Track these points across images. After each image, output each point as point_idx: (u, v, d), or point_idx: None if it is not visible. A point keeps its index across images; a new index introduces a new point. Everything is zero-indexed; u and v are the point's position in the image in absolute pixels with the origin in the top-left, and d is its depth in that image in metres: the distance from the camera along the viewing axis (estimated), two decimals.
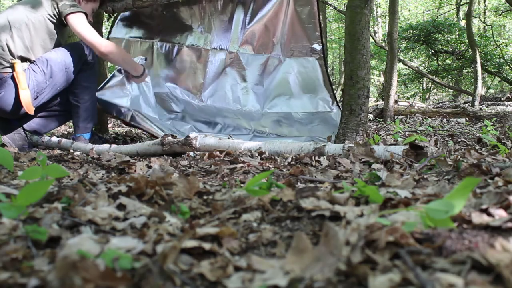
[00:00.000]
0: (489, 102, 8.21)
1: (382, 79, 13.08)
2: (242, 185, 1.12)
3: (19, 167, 1.38)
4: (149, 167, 1.60)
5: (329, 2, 9.76)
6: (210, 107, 3.34)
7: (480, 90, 7.06)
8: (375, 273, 0.49)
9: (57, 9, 2.34)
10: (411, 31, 9.95)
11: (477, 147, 2.34)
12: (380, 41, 12.24)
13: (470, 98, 7.88)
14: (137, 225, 0.72)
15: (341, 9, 10.22)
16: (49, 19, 2.35)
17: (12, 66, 2.26)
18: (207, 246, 0.60)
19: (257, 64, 3.04)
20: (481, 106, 6.74)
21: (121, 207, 0.82)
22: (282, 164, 1.63)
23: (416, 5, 17.90)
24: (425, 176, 1.19)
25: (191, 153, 2.07)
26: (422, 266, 0.51)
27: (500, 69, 9.43)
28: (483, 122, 4.53)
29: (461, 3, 12.42)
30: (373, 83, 13.85)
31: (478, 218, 0.64)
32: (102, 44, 2.42)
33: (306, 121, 2.99)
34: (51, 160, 1.70)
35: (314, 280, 0.49)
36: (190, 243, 0.60)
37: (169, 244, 0.55)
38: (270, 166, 1.59)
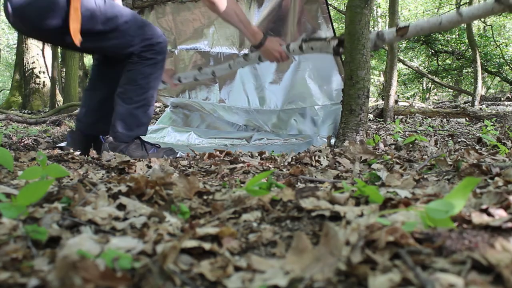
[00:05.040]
0: (489, 102, 8.22)
1: (382, 79, 13.09)
2: (242, 185, 1.12)
3: (19, 167, 1.37)
4: (149, 167, 1.60)
5: (329, 2, 9.76)
6: (231, 108, 3.39)
7: (480, 90, 7.06)
8: (375, 273, 0.49)
9: None
10: None
11: (477, 147, 2.33)
12: None
13: (470, 98, 7.89)
14: (137, 225, 0.72)
15: (341, 9, 10.23)
16: None
17: None
18: (207, 246, 0.60)
19: (270, 63, 3.06)
20: (481, 106, 6.74)
21: (121, 207, 0.82)
22: (282, 164, 1.63)
23: (416, 5, 17.91)
24: (425, 176, 1.19)
25: (191, 153, 2.07)
26: (422, 266, 0.51)
27: (500, 69, 9.44)
28: (483, 122, 4.53)
29: (461, 3, 12.42)
30: (373, 83, 13.86)
31: (478, 218, 0.64)
32: None
33: (321, 118, 3.00)
34: (51, 160, 1.70)
35: (314, 280, 0.49)
36: (190, 243, 0.60)
37: (169, 244, 0.55)
38: (270, 166, 1.59)
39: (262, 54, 2.25)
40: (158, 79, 2.14)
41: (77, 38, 1.85)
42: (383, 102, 5.31)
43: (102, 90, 2.22)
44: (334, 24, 2.72)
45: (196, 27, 3.25)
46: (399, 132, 3.35)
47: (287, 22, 2.85)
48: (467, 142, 2.78)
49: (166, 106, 4.21)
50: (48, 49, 9.30)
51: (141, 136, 2.15)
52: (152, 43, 2.08)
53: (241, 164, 1.58)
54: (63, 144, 2.47)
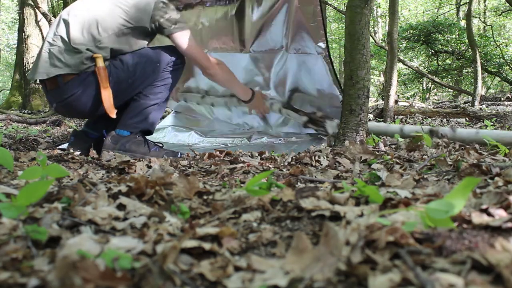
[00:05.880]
0: (489, 102, 8.21)
1: (382, 79, 13.09)
2: (242, 185, 1.12)
3: (19, 167, 1.38)
4: (149, 167, 1.60)
5: (329, 2, 9.76)
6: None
7: (480, 90, 7.06)
8: (375, 273, 0.49)
9: (157, 23, 2.10)
10: (411, 31, 9.96)
11: (477, 147, 2.33)
12: (380, 41, 12.25)
13: (470, 98, 7.89)
14: (137, 225, 0.72)
15: (341, 9, 10.23)
16: (145, 33, 2.13)
17: (94, 61, 2.01)
18: (207, 246, 0.60)
19: (266, 63, 3.06)
20: (481, 106, 6.74)
21: (121, 207, 0.82)
22: (282, 164, 1.63)
23: (416, 5, 17.91)
24: (425, 176, 1.19)
25: (191, 153, 2.07)
26: (422, 266, 0.51)
27: (500, 69, 9.44)
28: (483, 122, 4.53)
29: (461, 3, 12.43)
30: (373, 83, 13.87)
31: (478, 218, 0.64)
32: (211, 65, 2.26)
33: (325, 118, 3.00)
34: (51, 160, 1.70)
35: (314, 280, 0.49)
36: (190, 243, 0.60)
37: (169, 244, 0.55)
38: (270, 166, 1.59)
39: (249, 107, 2.66)
40: (174, 84, 2.29)
41: (112, 113, 2.06)
42: (383, 102, 5.31)
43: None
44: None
45: (196, 28, 3.26)
46: None
47: (284, 22, 2.86)
48: None
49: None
50: None
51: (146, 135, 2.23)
52: (172, 60, 2.22)
53: (241, 164, 1.58)
54: (64, 146, 2.48)
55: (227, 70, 2.40)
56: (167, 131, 3.48)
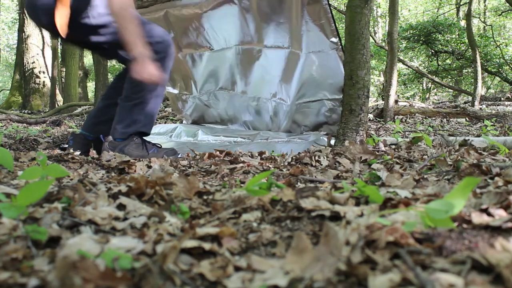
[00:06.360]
0: (489, 102, 8.22)
1: (382, 79, 13.10)
2: (242, 185, 1.12)
3: (19, 167, 1.37)
4: (149, 167, 1.60)
5: (329, 2, 9.76)
6: (248, 98, 3.41)
7: (480, 90, 7.06)
8: (375, 273, 0.49)
9: None
10: (411, 31, 9.98)
11: (477, 147, 2.33)
12: (380, 41, 12.26)
13: (470, 98, 7.89)
14: (137, 225, 0.72)
15: (341, 9, 10.23)
16: None
17: None
18: (207, 246, 0.60)
19: (280, 59, 3.10)
20: (481, 106, 6.74)
21: (121, 207, 0.82)
22: (282, 164, 1.63)
23: (416, 5, 17.94)
24: (425, 176, 1.19)
25: (191, 153, 2.07)
26: (422, 266, 0.51)
27: (500, 69, 9.45)
28: (483, 122, 4.53)
29: (461, 3, 12.44)
30: (373, 83, 13.87)
31: (478, 218, 0.64)
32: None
33: (335, 111, 3.00)
34: (51, 160, 1.70)
35: (314, 280, 0.49)
36: (190, 243, 0.60)
37: (169, 244, 0.55)
38: (270, 166, 1.59)
39: (134, 68, 1.94)
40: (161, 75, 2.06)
41: (62, 31, 1.96)
42: (383, 102, 5.31)
43: (113, 97, 2.24)
44: None
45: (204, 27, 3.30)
46: (399, 132, 3.35)
47: (292, 20, 2.88)
48: None
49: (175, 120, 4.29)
50: (48, 49, 9.30)
51: (144, 137, 2.16)
52: (150, 42, 2.02)
53: (241, 164, 1.58)
54: (64, 146, 2.49)
55: (135, 19, 1.92)
56: (174, 131, 3.52)
